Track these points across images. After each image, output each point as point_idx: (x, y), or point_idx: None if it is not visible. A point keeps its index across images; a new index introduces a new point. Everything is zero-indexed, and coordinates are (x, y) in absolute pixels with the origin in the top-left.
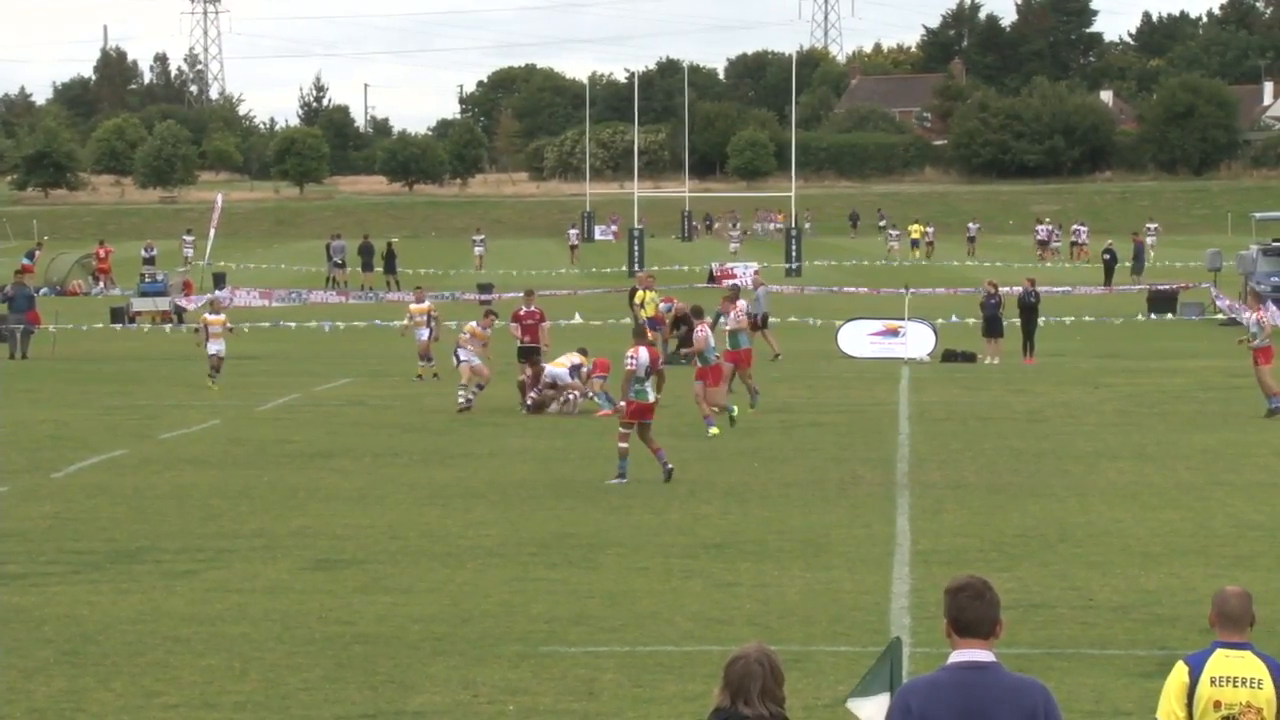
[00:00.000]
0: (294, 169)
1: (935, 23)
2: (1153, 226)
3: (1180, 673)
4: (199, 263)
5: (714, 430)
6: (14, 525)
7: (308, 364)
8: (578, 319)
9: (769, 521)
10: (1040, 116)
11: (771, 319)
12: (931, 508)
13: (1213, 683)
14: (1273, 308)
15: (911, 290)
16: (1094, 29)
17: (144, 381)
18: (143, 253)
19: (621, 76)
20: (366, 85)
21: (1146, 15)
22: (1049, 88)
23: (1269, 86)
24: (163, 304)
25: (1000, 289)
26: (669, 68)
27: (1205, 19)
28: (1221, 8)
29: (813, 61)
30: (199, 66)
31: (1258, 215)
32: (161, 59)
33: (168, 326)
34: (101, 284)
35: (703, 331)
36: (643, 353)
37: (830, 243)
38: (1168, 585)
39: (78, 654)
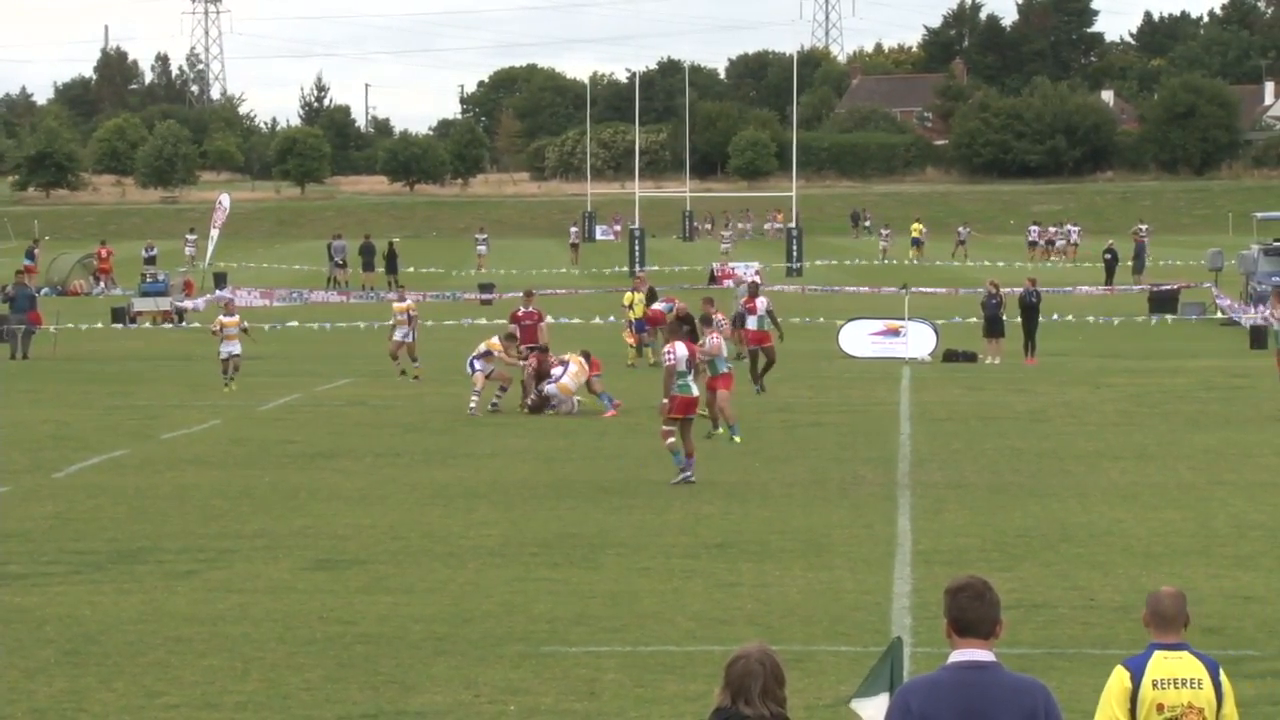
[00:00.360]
0: (295, 169)
1: (936, 23)
2: (1144, 228)
3: (1121, 677)
4: (199, 264)
5: (737, 438)
6: (15, 525)
7: (309, 364)
8: (576, 320)
9: (770, 521)
10: (1041, 116)
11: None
12: (933, 508)
13: (1155, 685)
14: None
15: (911, 290)
16: (1095, 29)
17: (145, 381)
18: (144, 253)
19: (622, 76)
20: (368, 85)
21: (1148, 15)
22: (1050, 88)
23: (1270, 86)
24: (164, 304)
25: (1002, 290)
26: (670, 68)
27: (1206, 19)
28: (1223, 8)
29: (814, 61)
30: (200, 66)
31: (1259, 215)
32: (163, 59)
33: (168, 326)
34: (103, 284)
35: (716, 339)
36: (680, 347)
37: (831, 243)
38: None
39: (79, 654)
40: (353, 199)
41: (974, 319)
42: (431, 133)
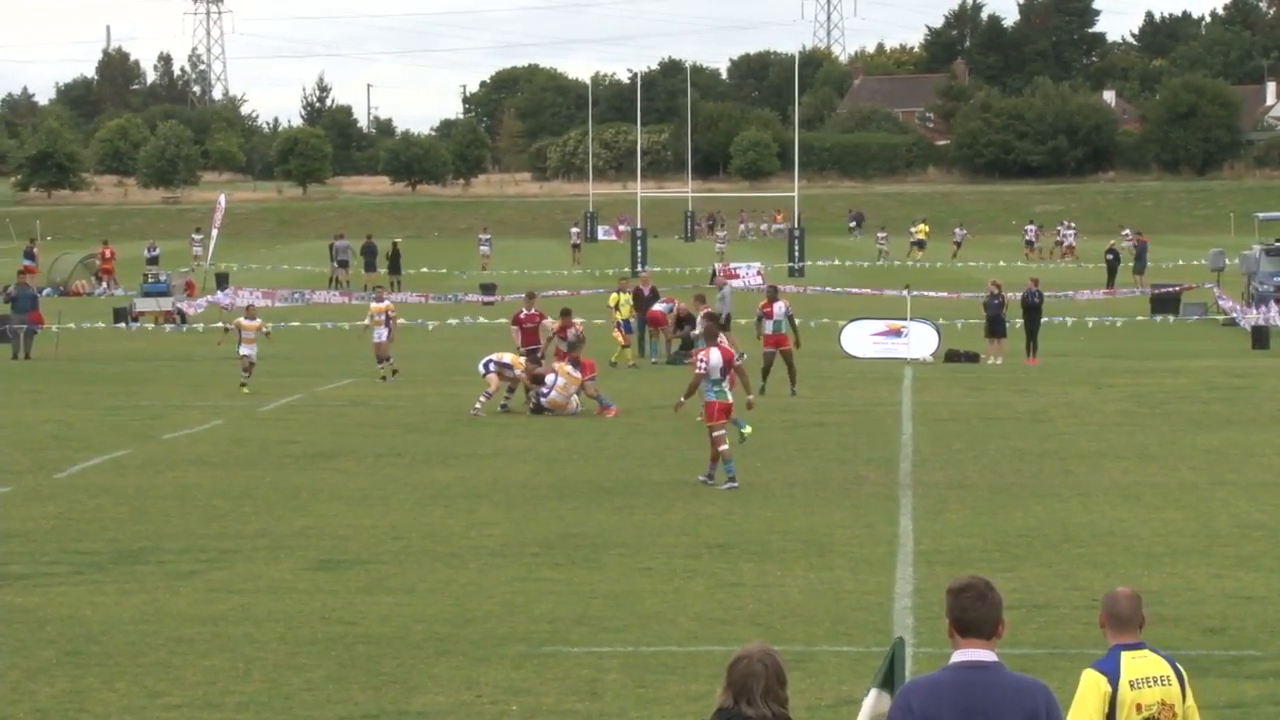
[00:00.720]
0: (297, 169)
1: (938, 23)
2: (1128, 232)
3: (1098, 682)
4: (201, 264)
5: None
6: (17, 525)
7: (310, 364)
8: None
9: (772, 521)
10: (1043, 117)
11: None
12: (934, 508)
13: (1132, 686)
14: None
15: (913, 292)
16: (1096, 29)
17: (147, 382)
18: (146, 253)
19: (624, 77)
20: (369, 85)
21: (1149, 15)
22: (1052, 88)
23: (1272, 86)
24: (165, 304)
25: (1005, 291)
26: (672, 68)
27: (1208, 19)
28: (1224, 8)
29: (815, 62)
30: (202, 67)
31: (1261, 215)
32: (165, 59)
33: (170, 327)
34: (105, 284)
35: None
36: (714, 354)
37: (833, 243)
38: (1171, 585)
39: (80, 654)
40: (354, 199)
41: (974, 319)
42: (433, 133)
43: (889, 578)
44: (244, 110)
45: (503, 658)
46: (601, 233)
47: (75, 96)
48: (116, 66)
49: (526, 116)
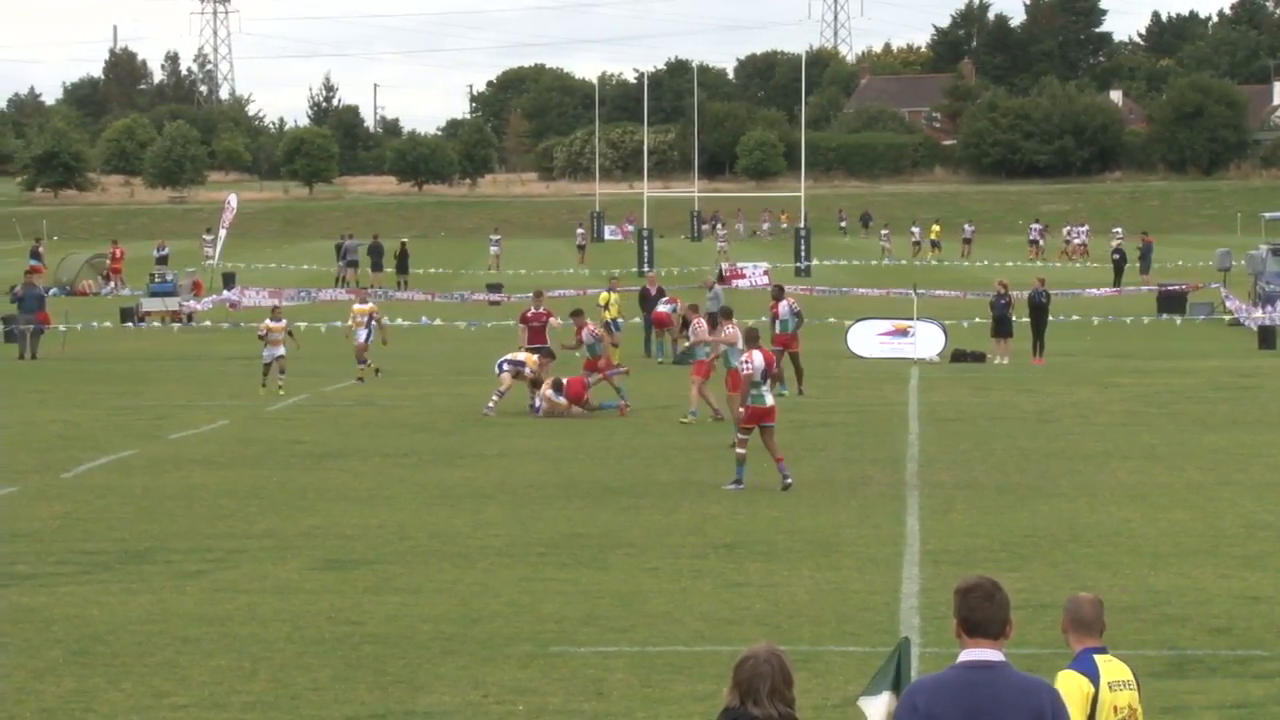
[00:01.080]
0: (303, 169)
1: (944, 23)
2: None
3: (1080, 683)
4: (206, 262)
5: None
6: (24, 525)
7: (317, 364)
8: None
9: (778, 522)
10: (1049, 116)
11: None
12: (941, 508)
13: (1110, 688)
14: None
15: (920, 291)
16: (1103, 29)
17: (153, 381)
18: (155, 252)
19: (631, 76)
20: (376, 85)
21: (1156, 15)
22: (1058, 88)
23: (1278, 86)
24: (172, 304)
25: (1012, 291)
26: (678, 68)
27: (1215, 19)
28: (1231, 7)
29: (822, 61)
30: (209, 66)
31: (1267, 215)
32: (172, 59)
33: (177, 326)
34: (112, 284)
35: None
36: (757, 356)
37: (839, 243)
38: (1177, 585)
39: (87, 654)
40: (361, 199)
41: (981, 319)
42: (440, 133)
43: (895, 578)
44: (250, 110)
45: (509, 657)
46: (608, 233)
47: (82, 96)
48: (123, 66)
49: (533, 116)
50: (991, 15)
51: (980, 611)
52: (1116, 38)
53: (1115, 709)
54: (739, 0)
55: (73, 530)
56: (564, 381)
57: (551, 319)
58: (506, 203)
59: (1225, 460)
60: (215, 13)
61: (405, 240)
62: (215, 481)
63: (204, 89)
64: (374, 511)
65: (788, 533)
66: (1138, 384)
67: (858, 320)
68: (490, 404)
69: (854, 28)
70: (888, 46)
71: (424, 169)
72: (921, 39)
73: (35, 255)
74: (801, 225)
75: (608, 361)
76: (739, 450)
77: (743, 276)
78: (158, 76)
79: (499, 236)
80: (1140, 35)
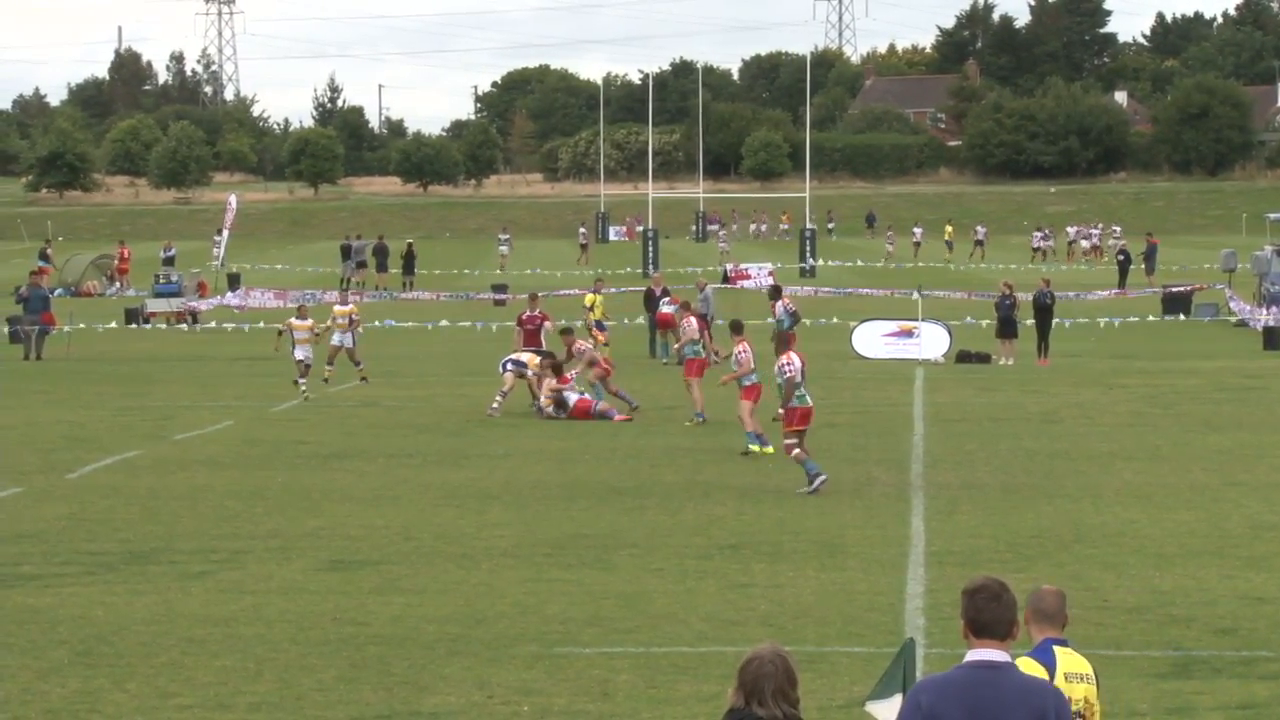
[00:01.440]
0: (308, 170)
1: (949, 23)
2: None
3: (1037, 671)
4: (211, 263)
5: (768, 449)
6: (29, 526)
7: (321, 364)
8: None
9: (783, 522)
10: (1055, 117)
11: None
12: (946, 508)
13: (1067, 679)
14: None
15: (925, 292)
16: (1108, 30)
17: (158, 382)
18: (162, 253)
19: (636, 77)
20: (381, 86)
21: (1161, 16)
22: (1063, 88)
23: None
24: (177, 304)
25: (1016, 292)
26: (683, 69)
27: (1220, 19)
28: (1236, 8)
29: (827, 62)
30: (213, 67)
31: (1272, 216)
32: (177, 59)
33: (182, 327)
34: (117, 284)
35: (746, 353)
36: (796, 358)
37: (845, 244)
38: (1182, 586)
39: (92, 655)
40: (366, 200)
41: (986, 320)
42: (445, 133)
43: (900, 578)
44: (255, 111)
45: (514, 658)
46: (613, 233)
47: (87, 97)
48: (128, 67)
49: (538, 117)
50: (996, 16)
51: (987, 612)
52: (1121, 38)
53: (1070, 700)
54: (744, 1)
55: (77, 531)
56: (570, 402)
57: (547, 323)
58: (511, 203)
59: (1230, 461)
60: (220, 13)
61: (411, 241)
62: (220, 482)
63: (209, 90)
64: (379, 512)
65: (793, 533)
66: (1143, 385)
67: (862, 321)
68: (494, 404)
69: (859, 28)
70: (892, 47)
71: (429, 170)
72: (926, 40)
73: (44, 257)
74: (806, 226)
75: (603, 369)
76: (797, 453)
77: (748, 277)
78: (163, 77)
79: (508, 235)
80: (1145, 36)
